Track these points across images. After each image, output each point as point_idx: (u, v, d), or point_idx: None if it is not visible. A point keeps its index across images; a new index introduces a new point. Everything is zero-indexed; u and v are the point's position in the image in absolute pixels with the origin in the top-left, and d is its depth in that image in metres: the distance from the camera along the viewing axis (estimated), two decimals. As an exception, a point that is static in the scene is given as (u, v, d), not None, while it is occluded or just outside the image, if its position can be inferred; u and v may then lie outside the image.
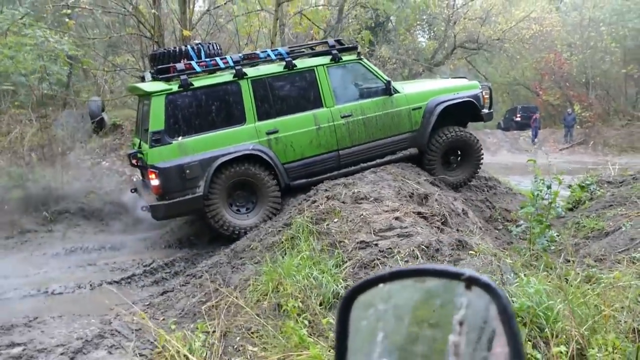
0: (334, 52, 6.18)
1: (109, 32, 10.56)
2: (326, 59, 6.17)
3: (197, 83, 5.61)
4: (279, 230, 4.85)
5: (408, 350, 0.90)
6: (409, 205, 4.58)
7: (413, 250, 3.79)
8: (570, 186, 6.96)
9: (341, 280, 3.66)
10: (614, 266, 4.33)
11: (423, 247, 3.83)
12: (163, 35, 8.94)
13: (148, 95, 5.57)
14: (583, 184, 6.90)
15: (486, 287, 0.83)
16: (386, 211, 4.37)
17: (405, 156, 6.48)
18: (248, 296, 3.92)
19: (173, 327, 3.68)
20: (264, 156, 5.74)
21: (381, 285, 0.93)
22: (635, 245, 4.73)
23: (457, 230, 4.51)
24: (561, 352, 2.85)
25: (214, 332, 3.66)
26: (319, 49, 6.73)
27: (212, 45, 6.29)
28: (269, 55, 6.08)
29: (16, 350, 3.61)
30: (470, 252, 3.95)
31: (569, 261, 4.20)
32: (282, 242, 4.54)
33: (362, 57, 6.46)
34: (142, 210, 5.94)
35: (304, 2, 11.32)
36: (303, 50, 6.68)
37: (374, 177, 5.62)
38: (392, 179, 5.58)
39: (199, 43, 6.30)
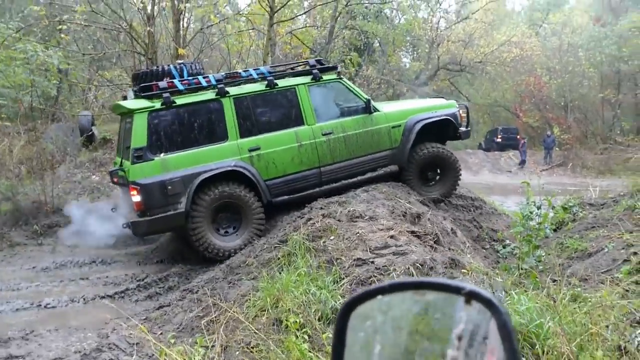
0: (315, 71, 6.32)
1: (98, 47, 10.64)
2: (307, 79, 6.31)
3: (180, 101, 5.69)
4: (275, 247, 4.93)
5: None
6: (402, 224, 4.72)
7: (408, 268, 3.91)
8: (553, 207, 7.18)
9: (339, 297, 3.76)
10: (598, 286, 4.51)
11: (418, 265, 3.95)
12: (156, 52, 9.03)
13: (131, 112, 5.62)
14: (566, 206, 7.14)
15: (487, 303, 0.83)
16: (381, 230, 4.49)
17: (386, 173, 6.61)
18: (246, 311, 3.99)
19: (172, 341, 3.72)
20: (246, 172, 5.79)
21: (380, 296, 0.93)
22: (618, 265, 4.92)
23: (449, 249, 4.65)
24: (553, 370, 2.99)
25: (213, 346, 3.71)
26: (300, 68, 6.89)
27: (195, 65, 6.37)
28: (251, 74, 6.20)
29: (14, 364, 3.62)
30: (462, 270, 4.09)
31: (555, 281, 4.37)
32: (279, 259, 4.62)
33: (342, 76, 6.63)
34: (122, 227, 5.91)
35: (293, 23, 11.50)
36: (284, 69, 6.86)
37: (366, 196, 5.76)
38: (384, 198, 5.72)
39: (182, 63, 6.39)
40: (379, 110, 6.64)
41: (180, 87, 5.74)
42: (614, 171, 22.06)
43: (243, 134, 5.90)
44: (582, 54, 25.99)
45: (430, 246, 4.45)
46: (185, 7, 8.85)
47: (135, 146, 5.48)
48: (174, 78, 5.93)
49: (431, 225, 4.81)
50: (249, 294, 4.25)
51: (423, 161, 6.76)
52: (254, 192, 5.90)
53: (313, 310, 3.68)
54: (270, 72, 6.27)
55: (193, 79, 5.89)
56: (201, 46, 10.96)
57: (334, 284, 3.95)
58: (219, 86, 5.84)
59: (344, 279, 3.99)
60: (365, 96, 6.62)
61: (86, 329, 4.26)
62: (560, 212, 6.92)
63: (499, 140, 29.07)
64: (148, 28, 8.52)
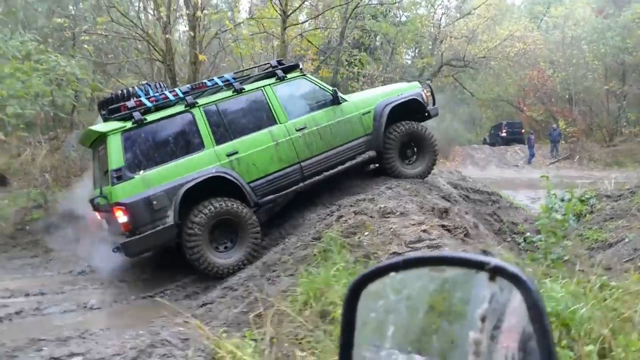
0: (278, 71, 6.48)
1: (115, 56, 10.90)
2: (272, 79, 6.47)
3: (151, 117, 5.76)
4: (308, 245, 5.12)
5: (421, 347, 0.82)
6: (432, 218, 4.91)
7: (443, 260, 4.11)
8: (570, 200, 7.36)
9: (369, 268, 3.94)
10: (622, 275, 4.70)
11: (452, 257, 4.14)
12: (174, 58, 9.25)
13: (103, 135, 5.63)
14: (583, 198, 7.32)
15: (514, 279, 0.75)
16: (413, 224, 4.68)
17: (365, 160, 6.78)
18: (289, 306, 4.18)
19: (224, 335, 3.92)
20: (228, 177, 5.84)
21: (393, 273, 0.85)
22: (639, 255, 5.12)
23: (478, 241, 4.84)
24: (591, 351, 3.18)
25: (262, 339, 3.91)
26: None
27: (158, 84, 6.49)
28: (216, 82, 6.29)
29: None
30: (494, 261, 4.28)
31: (582, 270, 4.55)
32: (314, 255, 4.81)
33: (304, 73, 6.82)
34: (113, 252, 5.84)
35: (304, 25, 11.70)
36: (248, 74, 6.99)
37: (391, 193, 5.95)
38: (409, 194, 5.92)
39: (146, 83, 6.51)
40: (346, 100, 6.81)
41: (149, 104, 5.79)
42: (622, 163, 22.21)
43: (219, 141, 5.96)
44: (586, 47, 26.07)
45: (461, 239, 4.64)
46: (202, 15, 9.05)
47: (113, 167, 5.48)
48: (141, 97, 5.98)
49: (460, 219, 5.00)
50: (290, 289, 4.44)
51: (400, 139, 6.91)
52: (239, 196, 5.92)
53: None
54: (234, 78, 6.39)
55: (160, 94, 5.97)
56: (217, 51, 11.17)
57: (373, 277, 4.15)
58: (186, 98, 5.93)
59: (382, 272, 4.18)
60: (331, 88, 6.79)
61: (136, 327, 4.45)
62: (577, 204, 7.10)
63: (504, 134, 29.26)
64: (167, 35, 8.74)
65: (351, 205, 5.45)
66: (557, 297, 3.58)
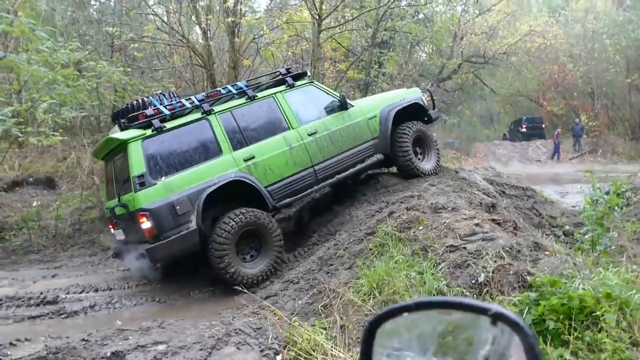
0: (288, 79, 6.70)
1: (160, 62, 11.35)
2: (282, 87, 6.67)
3: (169, 125, 5.87)
4: (362, 239, 5.40)
5: None
6: (482, 213, 5.16)
7: (498, 251, 4.35)
8: (607, 193, 7.54)
9: (441, 279, 4.21)
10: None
11: (507, 249, 4.39)
12: (214, 63, 9.61)
13: (124, 143, 5.69)
14: (618, 191, 7.47)
15: (513, 325, 0.84)
16: (465, 219, 4.94)
17: (373, 163, 7.01)
18: (354, 296, 4.47)
19: (296, 324, 4.22)
20: (248, 181, 5.95)
21: (406, 314, 0.94)
22: (681, 244, 5.31)
23: (527, 234, 5.07)
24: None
25: (330, 327, 4.21)
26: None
27: (172, 93, 6.66)
28: (230, 90, 6.44)
29: (161, 347, 4.14)
30: (545, 252, 4.52)
31: (630, 260, 4.76)
32: (370, 249, 5.09)
33: (312, 80, 7.03)
34: (137, 260, 5.83)
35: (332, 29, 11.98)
36: (260, 81, 7.12)
37: (436, 190, 6.20)
38: (452, 190, 6.16)
39: (161, 92, 6.64)
40: (353, 105, 7.06)
41: (166, 112, 5.91)
42: (646, 156, 22.12)
43: (235, 147, 6.08)
44: (608, 41, 25.93)
45: (512, 232, 4.88)
46: (240, 22, 9.40)
47: (136, 174, 5.55)
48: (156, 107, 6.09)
49: (508, 213, 5.24)
50: (351, 281, 4.73)
51: (412, 139, 7.19)
52: (258, 200, 6.05)
53: (420, 292, 4.14)
54: (247, 86, 6.57)
55: (177, 102, 6.11)
56: (254, 55, 11.52)
57: (432, 268, 4.42)
58: (202, 105, 6.08)
59: (440, 264, 4.44)
60: (338, 94, 7.00)
61: (208, 318, 4.77)
62: (613, 197, 7.26)
63: (524, 129, 29.23)
64: (207, 42, 9.09)
65: (401, 202, 5.72)
66: (611, 284, 3.82)
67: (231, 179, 5.88)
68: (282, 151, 6.30)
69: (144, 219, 5.47)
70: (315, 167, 6.53)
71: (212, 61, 9.45)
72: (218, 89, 6.64)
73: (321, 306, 4.48)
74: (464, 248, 4.50)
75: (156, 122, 5.76)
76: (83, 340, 4.13)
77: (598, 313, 3.34)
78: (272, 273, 5.88)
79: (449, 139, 28.00)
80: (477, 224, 4.78)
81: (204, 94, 6.43)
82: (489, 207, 5.48)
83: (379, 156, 7.04)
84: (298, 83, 6.79)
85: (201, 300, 5.64)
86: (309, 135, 6.53)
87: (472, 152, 26.19)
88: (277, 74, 7.08)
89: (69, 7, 15.11)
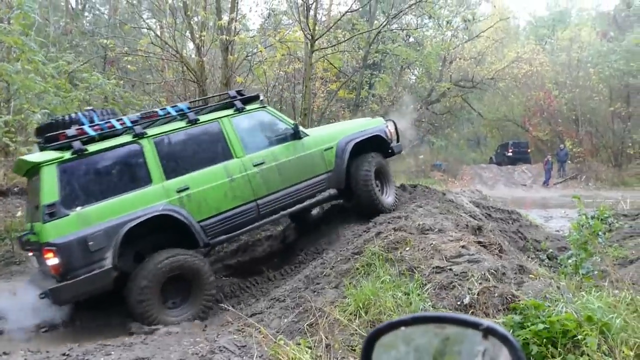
0: (237, 102, 6.13)
1: (151, 76, 11.42)
2: (230, 110, 6.10)
3: (93, 148, 5.22)
4: (349, 259, 5.42)
5: None
6: (468, 235, 5.22)
7: (484, 273, 4.40)
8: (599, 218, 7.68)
9: (427, 300, 4.24)
10: (646, 289, 4.99)
11: (492, 271, 4.44)
12: (206, 79, 9.68)
13: (37, 166, 5.07)
14: (601, 217, 7.61)
15: (503, 338, 0.88)
16: (451, 240, 4.99)
17: (325, 198, 6.50)
18: (341, 315, 4.47)
19: (281, 342, 4.20)
20: (177, 215, 5.34)
21: (403, 328, 0.98)
22: (661, 270, 5.41)
23: (511, 257, 5.14)
24: (629, 356, 3.46)
25: (316, 346, 4.20)
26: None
27: (106, 111, 5.98)
28: (169, 112, 5.82)
29: (144, 364, 4.10)
30: (530, 275, 4.59)
31: (612, 284, 4.84)
32: (357, 269, 5.11)
33: (265, 105, 6.50)
34: (40, 298, 5.05)
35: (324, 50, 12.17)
36: (204, 103, 6.82)
37: (423, 211, 6.27)
38: (439, 212, 6.24)
39: (91, 109, 5.94)
40: (307, 135, 6.52)
41: (92, 133, 5.27)
42: (628, 183, 22.54)
43: (169, 175, 5.49)
44: (592, 69, 26.62)
45: (497, 255, 4.95)
46: (234, 39, 9.52)
47: (46, 202, 4.90)
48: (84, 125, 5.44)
49: (494, 236, 5.31)
50: (337, 300, 4.74)
51: (374, 172, 6.78)
52: (188, 236, 5.46)
53: (406, 313, 4.16)
54: (189, 108, 5.95)
55: (105, 122, 5.44)
56: (247, 72, 11.63)
57: (418, 289, 4.45)
58: (134, 127, 5.45)
59: (426, 284, 4.47)
60: (292, 122, 6.47)
61: (193, 335, 4.73)
62: (598, 223, 7.40)
63: (510, 154, 29.70)
64: (200, 58, 9.18)
65: (388, 222, 5.76)
66: (593, 307, 3.89)
67: (157, 213, 5.25)
68: (221, 182, 5.72)
69: (50, 255, 4.83)
70: (259, 202, 5.95)
71: (205, 77, 9.53)
72: (155, 110, 5.99)
73: (307, 325, 4.46)
74: (450, 269, 4.54)
75: (77, 144, 5.10)
76: (63, 354, 4.07)
77: (580, 337, 3.39)
78: (201, 320, 5.27)
79: (437, 161, 28.31)
80: (463, 246, 4.84)
81: (138, 114, 5.75)
82: (475, 229, 5.55)
83: (332, 191, 6.54)
84: (249, 107, 6.22)
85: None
86: (255, 165, 5.95)
87: (459, 175, 26.48)
88: (225, 96, 6.48)
89: (62, 17, 15.15)
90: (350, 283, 4.84)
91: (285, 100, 14.40)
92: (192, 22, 10.36)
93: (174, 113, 5.81)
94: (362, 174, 6.66)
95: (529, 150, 29.86)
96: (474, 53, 25.82)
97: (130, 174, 5.41)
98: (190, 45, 11.46)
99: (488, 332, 0.89)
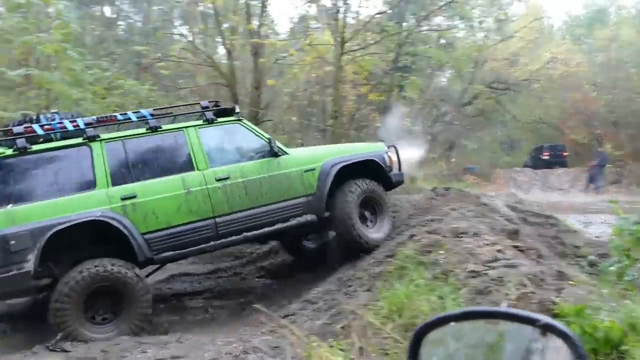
0: (207, 113, 5.80)
1: (183, 81, 11.69)
2: (199, 121, 5.81)
3: (38, 147, 5.06)
4: (381, 261, 5.38)
5: None
6: (504, 239, 5.10)
7: (521, 279, 4.29)
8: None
9: (463, 304, 4.16)
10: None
11: (530, 276, 4.32)
12: (237, 83, 9.81)
13: None
14: (645, 222, 7.31)
15: (563, 335, 0.84)
16: (487, 244, 4.89)
17: (300, 224, 5.91)
18: (374, 318, 4.43)
19: (314, 343, 4.19)
20: (115, 223, 4.98)
21: (452, 323, 0.94)
22: None
23: (550, 263, 4.99)
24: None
25: (349, 349, 4.16)
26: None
27: (72, 114, 5.69)
28: (129, 117, 5.56)
29: (178, 363, 4.16)
30: (569, 282, 4.44)
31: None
32: (390, 272, 5.06)
33: (241, 117, 6.07)
34: None
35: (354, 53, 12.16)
36: (171, 112, 6.43)
37: (457, 214, 6.16)
38: (474, 215, 6.11)
39: (56, 112, 5.76)
40: (287, 153, 6.05)
41: (40, 132, 5.09)
42: (672, 187, 21.64)
43: (116, 181, 5.19)
44: (633, 70, 25.71)
45: (535, 260, 4.81)
46: (264, 43, 9.63)
47: None
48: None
49: (531, 240, 5.17)
50: (370, 303, 4.70)
51: (359, 199, 6.10)
52: (126, 248, 5.07)
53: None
54: (153, 115, 5.64)
55: (57, 123, 5.24)
56: (277, 76, 11.73)
57: (453, 293, 4.36)
58: (87, 130, 5.21)
59: (461, 289, 4.38)
60: (268, 137, 6.00)
61: (226, 335, 4.78)
62: (638, 228, 7.11)
63: (546, 157, 28.94)
64: (231, 62, 9.31)
65: (422, 225, 5.69)
66: (638, 317, 3.73)
67: (91, 219, 4.93)
68: (174, 194, 5.32)
69: None
70: (218, 219, 5.48)
71: (236, 81, 9.65)
72: (115, 114, 5.78)
73: (339, 327, 4.44)
74: (486, 274, 4.44)
75: (20, 142, 4.93)
76: (102, 351, 4.17)
77: (627, 347, 3.25)
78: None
79: (469, 164, 27.85)
80: (499, 250, 4.73)
81: (94, 117, 5.50)
82: (511, 233, 5.42)
83: (310, 217, 5.94)
84: (221, 119, 5.89)
85: (218, 316, 5.64)
86: (218, 180, 5.52)
87: (492, 178, 25.96)
88: (199, 106, 6.09)
89: (98, 26, 15.61)
90: (383, 286, 4.80)
91: (315, 104, 14.45)
92: (222, 28, 10.53)
93: (134, 119, 5.54)
94: (340, 202, 6.00)
95: (565, 154, 29.02)
96: (507, 54, 25.29)
97: (74, 176, 5.19)
98: (221, 50, 11.61)
99: (546, 328, 0.84)
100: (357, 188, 6.09)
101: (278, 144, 6.01)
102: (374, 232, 6.18)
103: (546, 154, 29.01)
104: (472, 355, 0.92)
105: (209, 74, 11.11)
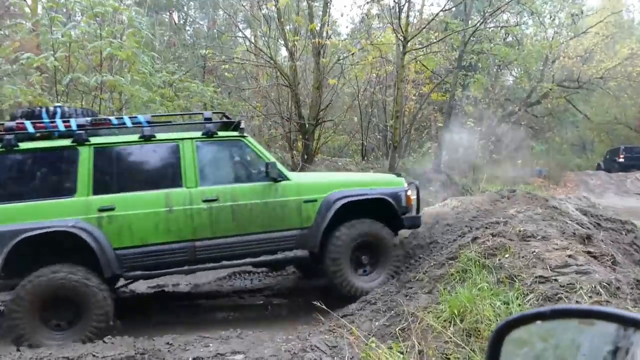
0: (208, 125, 5.31)
1: (246, 82, 12.04)
2: (197, 133, 5.31)
3: (26, 145, 4.84)
4: (443, 264, 5.24)
5: None
6: (576, 244, 4.82)
7: (595, 286, 4.03)
8: None
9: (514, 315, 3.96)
10: None
11: (604, 284, 4.05)
12: (299, 83, 9.92)
13: None
14: None
15: None
16: (556, 249, 4.64)
17: (288, 258, 5.45)
18: (434, 321, 4.32)
19: (373, 344, 4.14)
20: (85, 236, 4.70)
21: (539, 322, 0.85)
22: None
23: (627, 271, 4.66)
24: None
25: (408, 352, 4.08)
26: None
27: (80, 111, 5.45)
28: (124, 122, 5.22)
29: (239, 357, 4.24)
30: (650, 291, 4.12)
31: None
32: (451, 275, 4.92)
33: (245, 134, 5.48)
34: None
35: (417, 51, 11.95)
36: (170, 120, 5.99)
37: (523, 217, 5.89)
38: (542, 219, 5.82)
39: (59, 105, 5.44)
40: (288, 179, 5.47)
41: (31, 130, 4.87)
42: None
43: (97, 190, 4.89)
44: None
45: (610, 267, 4.51)
46: (326, 44, 9.70)
47: None
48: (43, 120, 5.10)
49: (605, 246, 4.86)
50: (430, 306, 4.58)
51: (351, 242, 5.54)
52: (93, 261, 4.77)
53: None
54: (149, 122, 5.24)
55: (51, 122, 5.01)
56: (339, 76, 11.78)
57: (519, 299, 4.17)
58: (77, 132, 4.93)
59: (528, 295, 4.18)
60: (271, 159, 5.45)
61: (285, 331, 4.83)
62: None
63: (622, 160, 27.16)
64: (293, 63, 9.45)
65: (486, 227, 5.49)
66: None
67: (62, 229, 4.69)
68: (154, 211, 4.97)
69: None
70: (197, 243, 5.09)
71: (297, 81, 9.77)
72: (110, 117, 5.45)
73: (399, 329, 4.37)
74: (555, 280, 4.22)
75: (7, 138, 4.74)
76: (167, 344, 4.33)
77: None
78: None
79: (537, 166, 26.62)
80: (570, 256, 4.47)
81: (88, 119, 5.14)
82: (583, 238, 5.11)
83: (300, 252, 5.42)
84: (222, 134, 5.42)
85: (278, 314, 5.72)
86: (205, 201, 5.11)
87: (562, 182, 24.66)
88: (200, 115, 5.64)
89: (167, 32, 16.34)
90: (444, 289, 4.67)
91: (376, 103, 14.35)
92: (285, 29, 10.70)
93: (129, 124, 5.18)
94: (331, 243, 5.44)
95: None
96: (580, 50, 23.94)
97: (57, 180, 4.96)
98: (283, 51, 11.81)
99: None
100: (354, 230, 5.51)
101: (282, 168, 5.48)
102: (366, 281, 5.60)
103: (622, 156, 27.21)
104: (563, 357, 0.82)
105: (271, 75, 11.32)
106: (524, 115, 24.87)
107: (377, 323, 4.67)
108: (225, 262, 5.28)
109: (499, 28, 14.78)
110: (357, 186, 5.75)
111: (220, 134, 5.39)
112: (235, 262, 5.32)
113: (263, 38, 10.86)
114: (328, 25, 10.24)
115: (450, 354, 3.91)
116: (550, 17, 23.01)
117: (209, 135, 5.27)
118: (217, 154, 5.46)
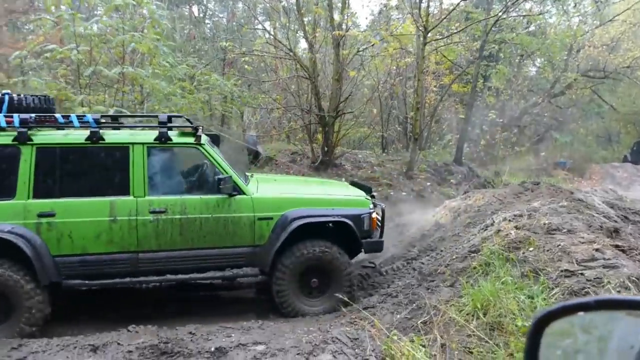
0: (163, 130, 4.97)
1: (266, 74, 12.07)
2: (150, 137, 4.99)
3: None
4: (465, 257, 5.18)
5: None
6: (603, 237, 4.71)
7: (623, 281, 3.93)
8: None
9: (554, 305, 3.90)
10: None
11: (633, 279, 3.95)
12: (318, 75, 9.89)
13: None
14: None
15: None
16: (582, 242, 4.54)
17: (237, 275, 5.23)
18: (457, 315, 4.28)
19: (395, 337, 4.12)
20: (20, 243, 4.50)
21: (581, 313, 0.82)
22: None
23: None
24: None
25: (430, 345, 4.05)
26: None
27: (32, 98, 5.10)
28: (71, 121, 4.90)
29: (261, 348, 4.27)
30: (682, 287, 4.01)
31: None
32: (474, 268, 4.86)
33: (202, 141, 5.11)
34: None
35: (438, 42, 11.78)
36: (121, 121, 5.80)
37: (548, 209, 5.78)
38: (567, 212, 5.71)
39: (6, 92, 5.04)
40: (245, 193, 5.14)
41: None
42: None
43: (37, 194, 4.65)
44: None
45: (639, 261, 4.40)
46: (345, 35, 9.64)
47: None
48: None
49: (634, 240, 4.74)
50: (452, 299, 4.54)
51: (301, 265, 5.27)
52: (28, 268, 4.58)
53: (531, 317, 3.86)
54: (99, 122, 4.94)
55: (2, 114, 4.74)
56: (359, 67, 11.70)
57: (544, 293, 4.10)
58: (19, 129, 4.65)
59: (553, 289, 4.11)
60: (230, 171, 5.11)
61: (307, 323, 4.84)
62: None
63: (650, 151, 26.52)
64: (312, 55, 9.41)
65: (509, 220, 5.41)
66: None
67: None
68: (97, 220, 4.76)
69: None
70: (141, 255, 4.90)
71: (317, 73, 9.73)
72: (54, 115, 5.04)
73: (420, 322, 4.34)
74: (582, 274, 4.13)
75: None
76: (190, 333, 4.38)
77: None
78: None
79: (560, 158, 26.13)
80: (597, 249, 4.37)
81: (31, 115, 4.80)
82: (610, 231, 4.99)
83: (250, 270, 5.22)
84: (177, 140, 5.07)
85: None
86: (152, 212, 4.87)
87: (587, 174, 24.16)
88: (154, 117, 5.33)
89: (187, 24, 16.44)
90: (467, 282, 4.62)
91: (396, 95, 14.22)
92: (304, 20, 10.66)
93: (76, 123, 4.88)
94: (280, 264, 5.22)
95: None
96: (606, 39, 23.32)
97: None
98: (303, 43, 11.78)
99: None
100: (304, 252, 5.23)
101: (238, 181, 5.13)
102: (310, 305, 5.35)
103: (650, 148, 26.57)
104: (608, 349, 0.77)
105: (291, 67, 11.30)
106: (547, 106, 24.38)
107: (398, 316, 4.64)
108: (169, 276, 5.03)
109: (522, 17, 14.44)
110: (319, 205, 5.41)
111: (175, 140, 5.05)
112: (179, 277, 5.06)
113: (282, 30, 10.85)
114: (348, 17, 10.16)
115: (474, 348, 3.87)
116: (575, 5, 22.45)
117: (162, 140, 4.97)
118: (170, 162, 5.21)
